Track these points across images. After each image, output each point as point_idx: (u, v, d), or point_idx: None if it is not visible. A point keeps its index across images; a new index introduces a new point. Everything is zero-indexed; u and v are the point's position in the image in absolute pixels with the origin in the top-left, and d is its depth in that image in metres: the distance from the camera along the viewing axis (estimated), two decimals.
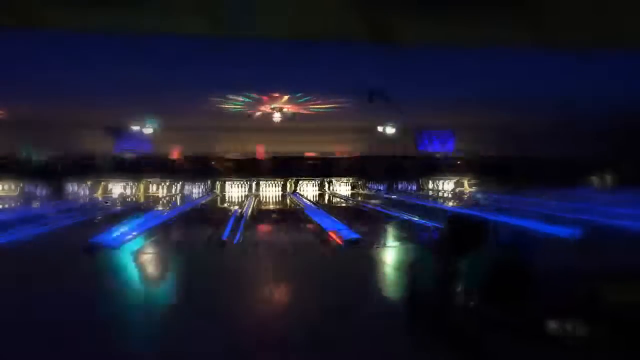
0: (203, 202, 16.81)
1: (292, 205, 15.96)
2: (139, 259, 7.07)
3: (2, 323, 4.19)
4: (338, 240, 8.08)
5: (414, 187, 20.27)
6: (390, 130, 17.96)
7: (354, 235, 8.11)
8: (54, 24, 6.80)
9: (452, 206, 14.51)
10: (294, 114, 14.89)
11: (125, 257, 7.15)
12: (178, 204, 16.37)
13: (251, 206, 14.31)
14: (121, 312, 4.58)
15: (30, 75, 10.17)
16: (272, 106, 14.24)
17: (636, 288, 4.05)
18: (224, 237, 8.19)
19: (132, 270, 6.44)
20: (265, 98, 13.42)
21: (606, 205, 11.29)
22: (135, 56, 8.79)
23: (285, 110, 14.58)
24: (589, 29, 7.36)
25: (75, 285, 5.47)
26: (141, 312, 4.61)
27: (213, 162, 19.40)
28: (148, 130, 17.37)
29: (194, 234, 9.81)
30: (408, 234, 8.93)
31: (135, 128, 17.41)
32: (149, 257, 7.20)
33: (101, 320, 4.27)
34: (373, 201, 15.64)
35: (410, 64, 9.16)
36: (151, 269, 6.61)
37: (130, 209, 13.63)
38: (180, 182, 19.38)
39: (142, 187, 18.94)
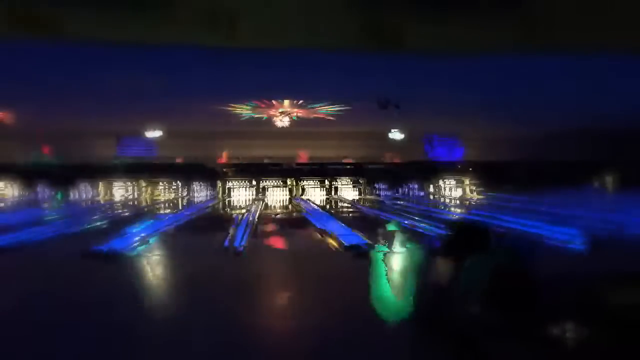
0: (209, 206, 16.90)
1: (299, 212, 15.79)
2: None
3: None
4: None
5: (421, 193, 20.18)
6: (397, 136, 18.02)
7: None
8: (71, 34, 6.90)
9: (462, 212, 14.46)
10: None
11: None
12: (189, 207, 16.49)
13: (257, 211, 14.31)
14: None
15: (39, 81, 10.28)
16: (280, 110, 14.33)
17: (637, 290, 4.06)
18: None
19: None
20: (272, 103, 13.55)
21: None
22: (145, 64, 8.91)
23: (291, 114, 14.67)
24: (588, 30, 7.40)
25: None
26: None
27: (219, 167, 19.44)
28: (154, 135, 17.51)
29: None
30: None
31: (142, 133, 17.56)
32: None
33: None
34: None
35: (412, 68, 9.23)
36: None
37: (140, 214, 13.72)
38: (186, 186, 19.44)
39: (147, 191, 19.00)
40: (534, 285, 4.08)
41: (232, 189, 19.57)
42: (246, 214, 13.22)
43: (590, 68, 9.05)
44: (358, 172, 19.59)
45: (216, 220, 13.46)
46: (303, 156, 19.61)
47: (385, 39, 7.12)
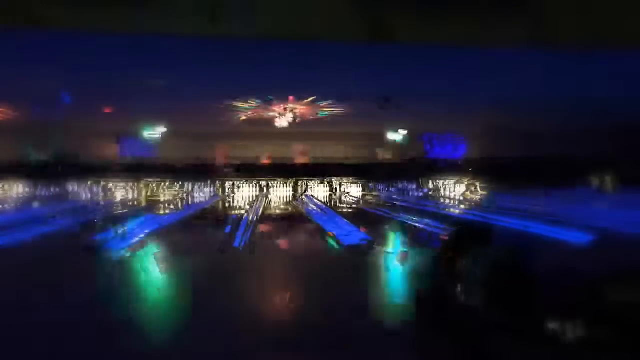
0: (210, 205, 16.90)
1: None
2: None
3: None
4: None
5: (423, 191, 20.13)
6: (398, 135, 18.02)
7: None
8: (54, 23, 6.86)
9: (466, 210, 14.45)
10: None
11: None
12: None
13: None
14: None
15: (34, 78, 10.23)
16: (285, 106, 14.32)
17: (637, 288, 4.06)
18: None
19: None
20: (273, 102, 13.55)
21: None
22: (142, 59, 8.88)
23: (294, 112, 14.66)
24: (589, 29, 7.39)
25: None
26: None
27: (219, 167, 19.42)
28: (152, 135, 17.50)
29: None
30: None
31: (141, 133, 17.54)
32: None
33: None
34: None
35: (412, 65, 9.21)
36: None
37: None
38: (186, 187, 19.38)
39: (145, 190, 18.91)
40: (534, 284, 4.10)
41: (235, 187, 19.54)
42: (247, 213, 13.19)
43: (593, 65, 9.04)
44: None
45: (217, 219, 13.42)
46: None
47: (383, 33, 7.10)
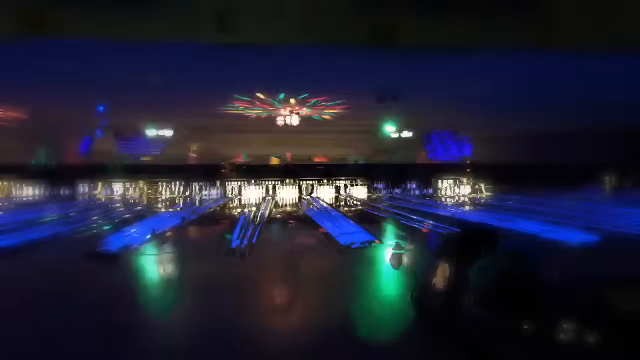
0: (216, 205, 16.90)
1: None
2: None
3: None
4: None
5: (428, 191, 20.06)
6: (402, 136, 18.02)
7: None
8: (65, 30, 6.89)
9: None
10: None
11: None
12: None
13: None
14: None
15: (39, 80, 10.26)
16: (289, 109, 14.32)
17: None
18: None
19: None
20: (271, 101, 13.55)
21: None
22: (146, 61, 8.89)
23: (298, 112, 14.67)
24: (593, 30, 7.33)
25: None
26: None
27: (223, 166, 19.44)
28: (157, 133, 17.54)
29: None
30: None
31: (145, 132, 17.58)
32: None
33: None
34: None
35: (413, 65, 9.17)
36: None
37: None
38: (191, 186, 19.38)
39: (150, 190, 18.90)
40: (540, 288, 4.04)
41: (241, 188, 19.53)
42: (251, 213, 13.18)
43: (592, 67, 8.98)
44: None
45: (220, 219, 13.40)
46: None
47: (385, 35, 7.08)
